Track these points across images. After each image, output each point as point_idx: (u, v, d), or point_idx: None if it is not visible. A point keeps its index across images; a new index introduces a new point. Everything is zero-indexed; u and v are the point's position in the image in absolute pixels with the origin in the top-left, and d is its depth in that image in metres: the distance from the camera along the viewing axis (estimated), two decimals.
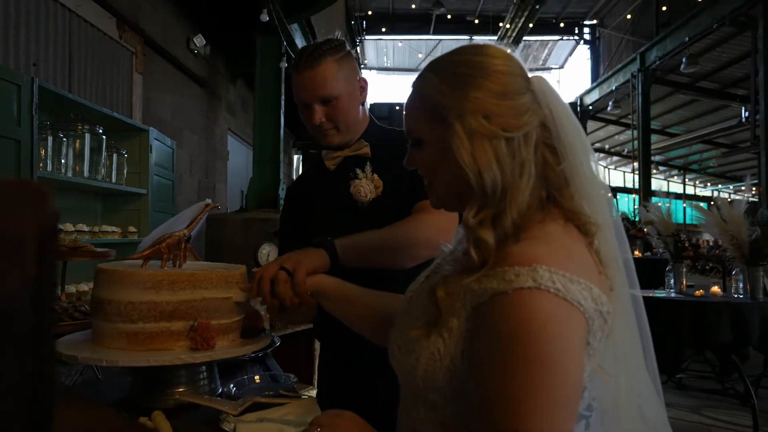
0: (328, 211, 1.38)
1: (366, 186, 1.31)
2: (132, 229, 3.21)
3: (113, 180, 3.03)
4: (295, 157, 10.46)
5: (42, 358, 0.32)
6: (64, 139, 2.63)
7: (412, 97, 0.80)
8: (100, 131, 2.84)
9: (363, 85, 1.37)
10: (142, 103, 4.11)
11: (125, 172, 3.17)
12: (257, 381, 1.23)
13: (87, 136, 2.76)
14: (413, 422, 0.78)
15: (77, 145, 2.73)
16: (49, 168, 2.53)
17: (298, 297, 1.01)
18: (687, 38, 8.75)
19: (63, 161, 2.63)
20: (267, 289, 1.01)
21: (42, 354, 0.32)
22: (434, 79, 0.76)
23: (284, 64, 5.07)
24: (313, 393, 1.28)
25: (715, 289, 4.00)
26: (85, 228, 2.83)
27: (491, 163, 0.70)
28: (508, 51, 0.77)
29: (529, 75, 0.76)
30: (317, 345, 3.53)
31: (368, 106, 1.44)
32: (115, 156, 3.05)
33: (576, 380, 0.65)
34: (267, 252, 3.96)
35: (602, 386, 0.76)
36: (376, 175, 1.32)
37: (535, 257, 0.65)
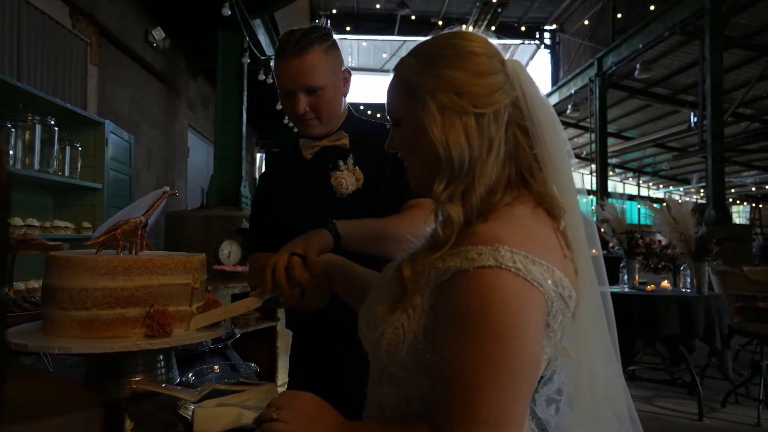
0: (305, 200, 1.36)
1: (348, 178, 1.30)
2: (86, 224, 3.10)
3: (66, 174, 2.92)
4: (258, 155, 10.32)
5: None
6: (13, 130, 2.52)
7: (393, 79, 0.82)
8: (52, 122, 2.73)
9: (346, 77, 1.35)
10: (97, 95, 3.98)
11: (79, 165, 3.05)
12: (217, 370, 1.22)
13: (38, 127, 2.64)
14: (379, 397, 0.79)
15: (27, 136, 2.61)
16: None
17: (315, 278, 1.01)
18: (641, 45, 9.11)
19: (12, 153, 2.52)
20: (284, 278, 0.99)
21: None
22: (412, 60, 0.79)
23: (246, 60, 5.00)
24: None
25: (665, 284, 4.20)
26: (36, 223, 2.72)
27: (460, 137, 0.72)
28: (486, 38, 0.80)
29: (506, 59, 0.78)
30: (280, 342, 3.50)
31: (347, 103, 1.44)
32: (68, 149, 2.94)
33: (533, 358, 0.67)
34: (228, 251, 3.89)
35: (570, 370, 0.77)
36: (357, 168, 1.32)
37: (498, 237, 0.67)
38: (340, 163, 1.32)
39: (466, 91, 0.73)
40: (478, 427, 0.64)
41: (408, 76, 0.78)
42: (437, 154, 0.73)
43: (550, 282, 0.67)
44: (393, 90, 0.82)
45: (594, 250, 0.78)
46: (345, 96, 1.38)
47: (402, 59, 0.81)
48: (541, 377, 0.77)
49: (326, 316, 1.26)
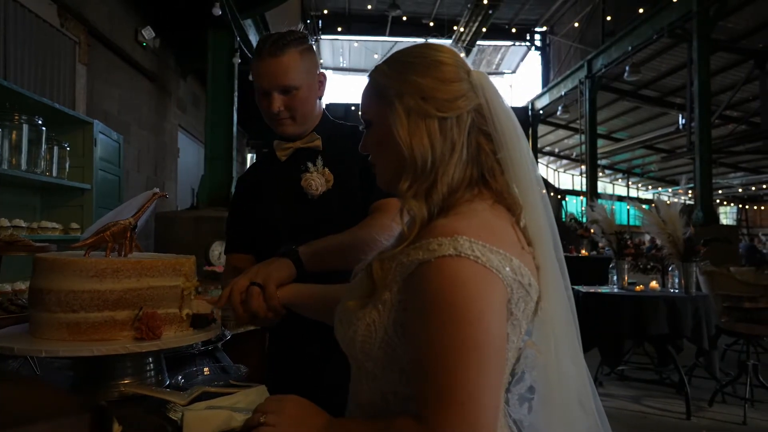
0: (277, 201, 1.39)
1: (317, 179, 1.33)
2: (74, 225, 3.06)
3: (54, 174, 2.88)
4: (249, 155, 10.27)
5: None
6: None
7: (367, 84, 0.87)
8: (40, 122, 2.69)
9: (322, 80, 1.39)
10: (86, 95, 3.94)
11: (67, 166, 3.02)
12: (206, 373, 1.21)
13: (25, 126, 2.60)
14: (359, 394, 0.82)
15: (14, 136, 2.57)
16: None
17: (271, 310, 1.04)
18: (630, 47, 9.19)
19: None
20: (238, 301, 1.04)
21: None
22: (384, 66, 0.85)
23: (237, 60, 4.98)
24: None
25: (654, 284, 4.23)
26: (23, 224, 2.68)
27: (423, 139, 0.77)
28: (455, 50, 0.85)
29: (472, 69, 0.83)
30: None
31: (324, 105, 1.46)
32: (56, 149, 2.90)
33: (498, 339, 0.70)
34: (219, 252, 3.87)
35: (539, 368, 0.80)
36: (327, 169, 1.35)
37: (457, 229, 0.71)
38: (310, 165, 1.35)
39: (431, 96, 0.78)
40: (455, 408, 0.66)
41: (380, 81, 0.83)
42: (403, 155, 0.78)
43: (508, 269, 0.71)
44: (366, 93, 0.87)
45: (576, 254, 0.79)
46: (320, 98, 1.41)
47: (376, 66, 0.87)
48: (513, 375, 0.79)
49: (301, 316, 1.27)
